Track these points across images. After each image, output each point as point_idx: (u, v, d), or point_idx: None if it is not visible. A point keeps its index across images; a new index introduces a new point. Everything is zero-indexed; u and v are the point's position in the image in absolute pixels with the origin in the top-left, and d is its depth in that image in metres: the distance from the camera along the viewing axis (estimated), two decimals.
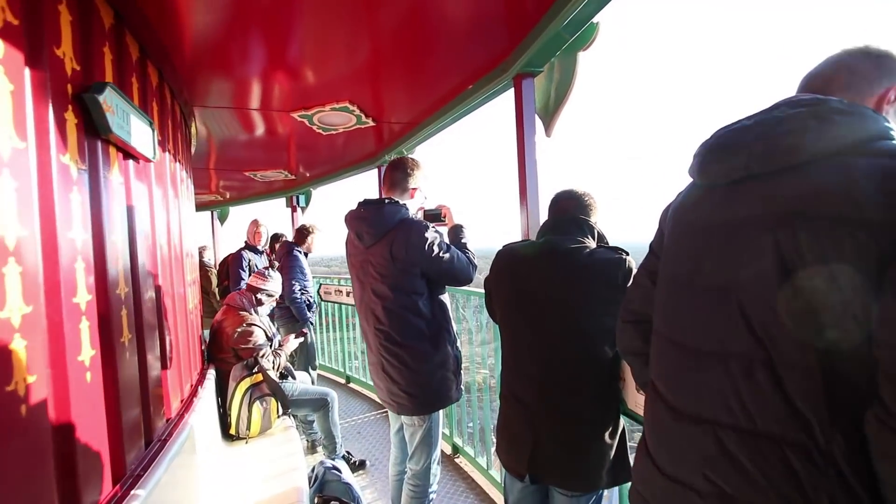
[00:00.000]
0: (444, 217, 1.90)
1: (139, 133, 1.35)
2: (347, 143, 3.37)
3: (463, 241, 1.80)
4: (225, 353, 2.52)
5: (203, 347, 2.65)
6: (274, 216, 5.36)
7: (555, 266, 1.30)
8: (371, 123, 2.70)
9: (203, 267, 4.66)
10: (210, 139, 3.21)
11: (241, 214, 6.44)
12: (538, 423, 1.31)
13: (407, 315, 1.62)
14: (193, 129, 2.83)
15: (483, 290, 1.59)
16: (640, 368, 1.01)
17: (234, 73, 2.11)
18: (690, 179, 0.90)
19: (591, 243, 1.34)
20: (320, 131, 2.82)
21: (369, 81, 2.23)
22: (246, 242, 4.14)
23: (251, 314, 2.60)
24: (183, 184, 2.14)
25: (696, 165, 0.81)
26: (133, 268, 1.32)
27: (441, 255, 1.62)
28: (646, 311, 0.98)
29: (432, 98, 2.41)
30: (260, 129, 2.93)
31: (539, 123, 1.98)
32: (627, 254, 1.31)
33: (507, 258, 1.44)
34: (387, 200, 1.67)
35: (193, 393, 1.93)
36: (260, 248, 4.16)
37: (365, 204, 1.70)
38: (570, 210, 1.40)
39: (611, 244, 1.38)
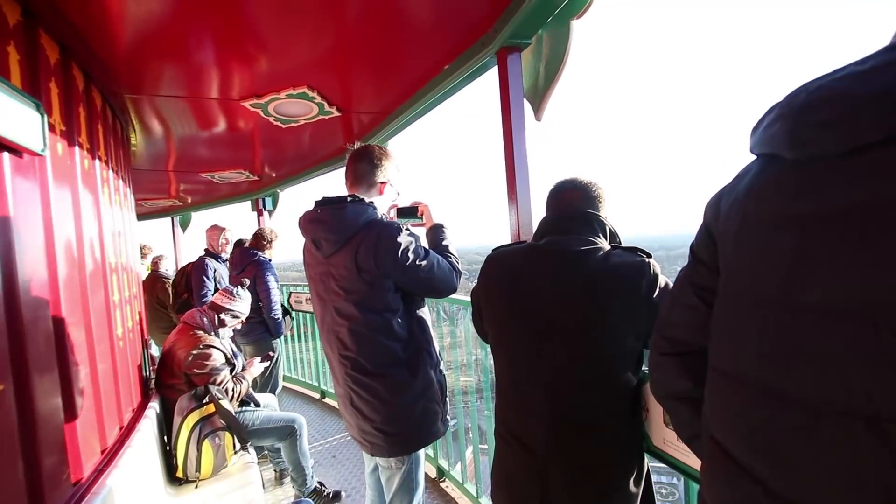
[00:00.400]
0: (421, 215, 1.61)
1: (14, 118, 1.02)
2: (313, 139, 3.06)
3: (444, 243, 1.52)
4: (176, 380, 2.17)
5: (147, 374, 2.30)
6: (236, 220, 4.98)
7: (563, 274, 1.03)
8: (336, 113, 2.40)
9: (160, 279, 4.25)
10: (168, 136, 2.84)
11: (205, 220, 6.02)
12: (547, 473, 1.04)
13: (378, 338, 1.33)
14: (134, 123, 2.47)
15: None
16: (689, 418, 0.74)
17: (170, 54, 1.78)
18: (754, 157, 0.64)
19: (604, 244, 1.08)
20: (279, 124, 2.50)
21: (330, 62, 1.93)
22: (207, 250, 3.74)
23: (210, 335, 2.26)
24: (108, 185, 1.80)
25: (782, 133, 0.55)
26: (10, 296, 1.00)
27: (418, 262, 1.34)
28: (693, 339, 0.72)
29: (405, 81, 2.13)
30: (211, 123, 2.59)
31: (528, 106, 1.72)
32: (650, 256, 1.05)
33: (502, 265, 1.16)
34: (349, 198, 1.38)
35: (125, 437, 1.60)
36: (224, 256, 3.76)
37: (322, 203, 1.40)
38: (575, 203, 1.14)
39: (625, 244, 1.12)
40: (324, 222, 1.36)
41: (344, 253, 1.33)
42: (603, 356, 1.01)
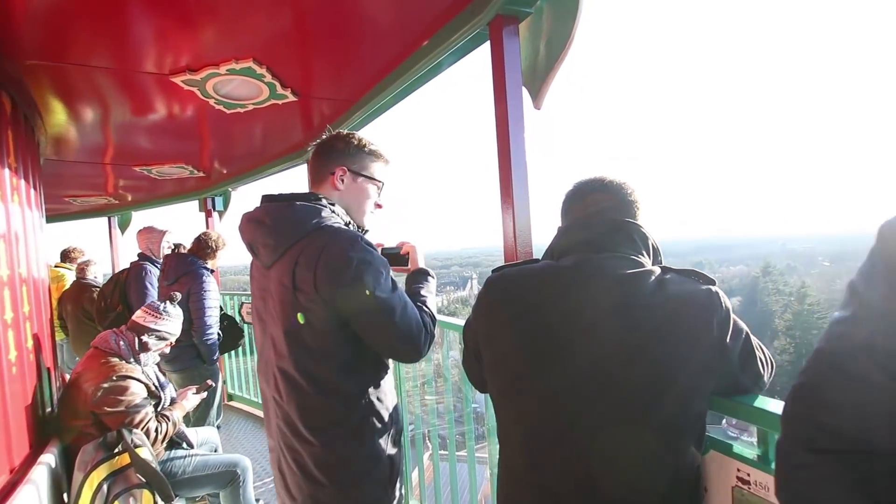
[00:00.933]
0: (406, 255, 1.24)
1: None
2: (267, 129, 2.66)
3: (423, 293, 1.15)
4: (80, 421, 1.74)
5: (46, 413, 1.86)
6: (182, 223, 4.46)
7: (608, 308, 0.74)
8: (291, 98, 2.03)
9: (88, 288, 3.71)
10: (99, 121, 2.37)
11: (147, 221, 5.43)
12: None
13: (310, 387, 0.97)
14: (40, 101, 2.01)
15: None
16: None
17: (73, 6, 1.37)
18: None
19: (650, 264, 0.80)
20: (222, 108, 2.10)
21: (284, 31, 1.57)
22: (143, 255, 3.23)
23: (129, 362, 1.83)
24: None
25: None
26: None
27: (377, 294, 0.96)
28: (872, 434, 0.44)
29: (377, 59, 1.78)
30: (139, 106, 2.17)
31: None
32: (714, 282, 0.77)
33: (513, 292, 0.85)
34: (302, 196, 1.03)
35: None
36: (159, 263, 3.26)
37: (268, 200, 1.05)
38: (608, 210, 0.85)
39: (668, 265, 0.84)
40: (263, 223, 1.01)
41: (282, 264, 0.98)
42: (664, 424, 0.72)
